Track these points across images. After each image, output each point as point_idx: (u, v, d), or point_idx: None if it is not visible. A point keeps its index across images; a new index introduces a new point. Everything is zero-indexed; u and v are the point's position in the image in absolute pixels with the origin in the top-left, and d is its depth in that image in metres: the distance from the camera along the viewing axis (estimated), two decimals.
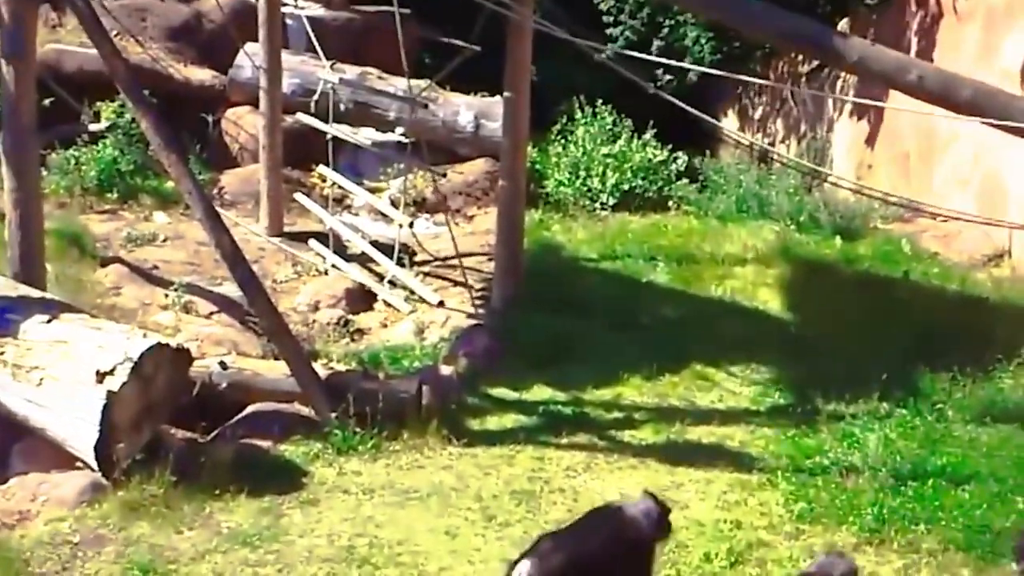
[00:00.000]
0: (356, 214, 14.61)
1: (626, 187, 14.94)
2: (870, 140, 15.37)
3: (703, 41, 17.60)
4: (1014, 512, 8.38)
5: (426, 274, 12.86)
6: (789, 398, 10.46)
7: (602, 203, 14.85)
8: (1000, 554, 7.91)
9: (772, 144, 17.53)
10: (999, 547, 7.98)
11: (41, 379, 8.83)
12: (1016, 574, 7.42)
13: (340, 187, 13.99)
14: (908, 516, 8.36)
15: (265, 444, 9.31)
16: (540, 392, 10.47)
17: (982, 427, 9.77)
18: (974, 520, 8.29)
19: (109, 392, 8.57)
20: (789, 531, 8.36)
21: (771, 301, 12.32)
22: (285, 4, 15.25)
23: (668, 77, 16.81)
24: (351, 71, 15.35)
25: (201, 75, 16.55)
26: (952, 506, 8.47)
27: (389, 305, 12.24)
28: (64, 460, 8.76)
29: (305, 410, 9.71)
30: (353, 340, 11.65)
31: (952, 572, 7.84)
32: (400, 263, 12.73)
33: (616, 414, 10.20)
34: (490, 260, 12.56)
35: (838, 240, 13.40)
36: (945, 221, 13.09)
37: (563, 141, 15.81)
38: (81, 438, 8.60)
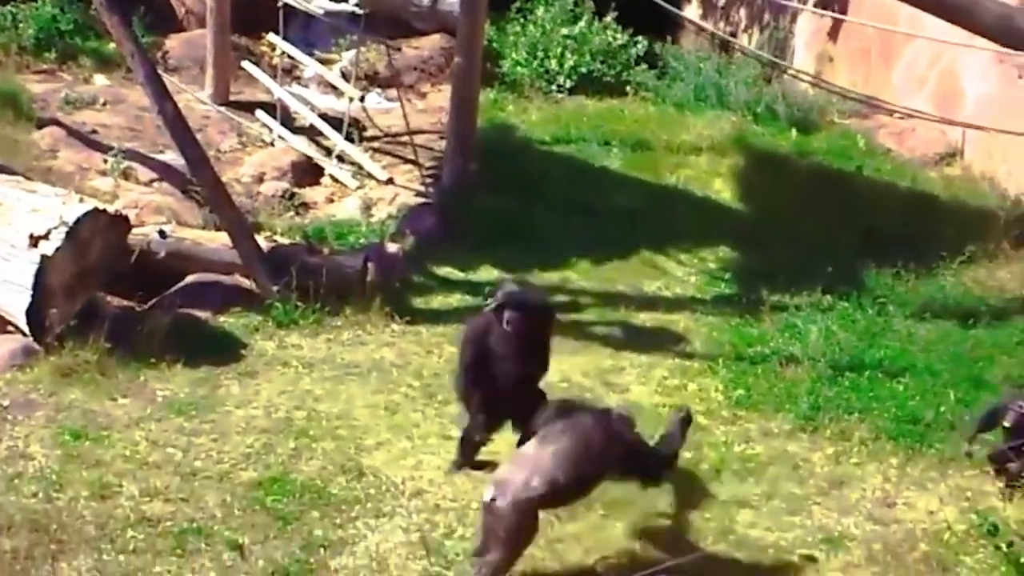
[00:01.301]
0: (305, 85, 14.27)
1: (584, 70, 14.68)
2: (832, 34, 15.17)
3: None
4: (945, 405, 8.54)
5: (375, 150, 12.64)
6: (735, 287, 10.47)
7: (559, 85, 14.61)
8: (929, 444, 8.11)
9: (734, 34, 17.28)
10: (928, 437, 8.19)
11: None
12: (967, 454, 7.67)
13: (290, 57, 13.67)
14: (843, 406, 8.48)
15: (204, 315, 9.20)
16: (487, 273, 10.40)
17: (921, 322, 9.87)
18: (906, 411, 8.45)
19: (43, 256, 8.40)
20: (726, 416, 8.44)
21: (724, 191, 12.25)
22: None
23: None
24: None
25: None
26: (886, 397, 8.62)
27: (336, 180, 12.05)
28: None
29: (246, 282, 9.59)
30: (298, 214, 11.47)
31: (881, 460, 8.01)
32: (349, 138, 12.51)
33: (561, 297, 10.13)
34: (442, 138, 12.37)
35: (794, 132, 13.30)
36: (901, 118, 13.03)
37: (522, 20, 15.49)
38: (13, 302, 8.45)
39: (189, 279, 9.60)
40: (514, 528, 6.38)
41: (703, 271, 10.82)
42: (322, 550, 6.85)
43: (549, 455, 6.45)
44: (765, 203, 11.91)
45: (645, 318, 9.87)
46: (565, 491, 6.50)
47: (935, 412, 8.44)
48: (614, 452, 6.58)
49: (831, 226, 11.30)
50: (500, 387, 7.44)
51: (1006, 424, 7.53)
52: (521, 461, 6.57)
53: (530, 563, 6.76)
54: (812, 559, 6.97)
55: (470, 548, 6.84)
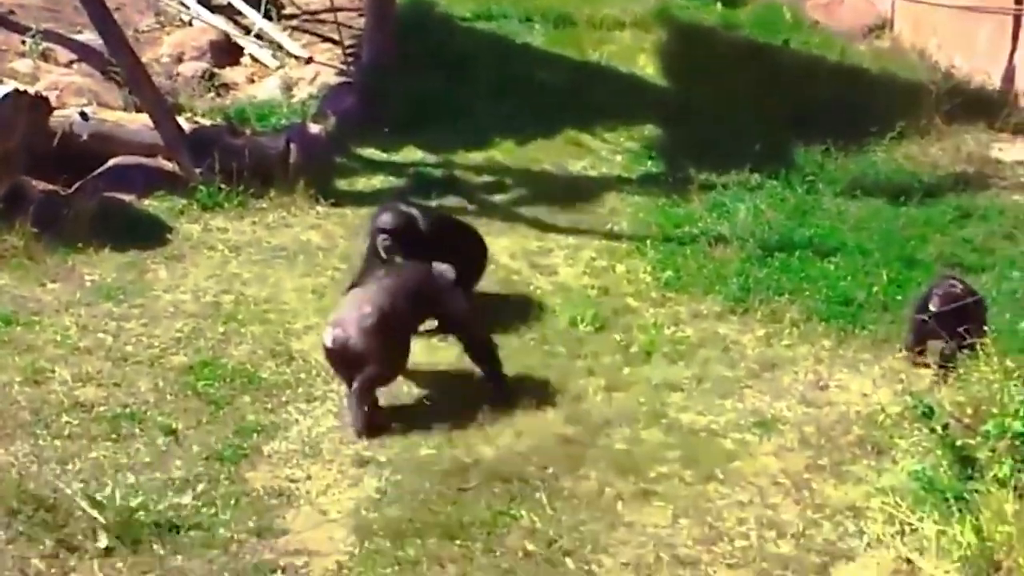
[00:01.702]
0: None
1: None
2: None
3: None
4: (878, 284, 8.54)
5: (295, 28, 12.44)
6: (661, 166, 10.47)
7: None
8: (862, 325, 8.12)
9: None
10: (861, 318, 8.19)
11: None
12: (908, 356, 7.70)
13: None
14: (773, 286, 8.50)
15: (128, 198, 9.10)
16: (410, 153, 10.35)
17: (852, 200, 9.87)
18: (838, 292, 8.45)
19: None
20: (655, 298, 8.49)
21: (648, 67, 12.22)
22: None
23: None
24: None
25: None
26: (817, 277, 8.62)
27: (256, 60, 11.86)
28: None
29: (169, 165, 9.49)
30: (218, 95, 11.30)
31: (813, 341, 8.03)
32: (268, 16, 12.29)
33: (486, 177, 10.15)
34: (361, 16, 12.17)
35: (719, 6, 13.26)
36: None
37: None
38: None
39: (112, 162, 9.46)
40: (370, 349, 6.95)
41: (629, 150, 10.81)
42: (255, 434, 6.89)
43: (372, 291, 7.17)
44: (691, 79, 11.89)
45: (571, 198, 9.86)
46: (391, 317, 7.03)
47: (867, 292, 8.43)
48: (429, 294, 7.27)
49: (759, 102, 11.27)
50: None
51: (932, 308, 7.54)
52: (348, 301, 7.26)
53: (461, 447, 6.85)
54: (744, 443, 7.01)
55: (403, 431, 6.91)
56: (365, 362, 6.97)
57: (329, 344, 7.00)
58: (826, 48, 12.46)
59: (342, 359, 7.02)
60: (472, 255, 8.21)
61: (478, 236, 8.38)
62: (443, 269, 7.36)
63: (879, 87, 11.63)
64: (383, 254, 7.75)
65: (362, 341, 6.95)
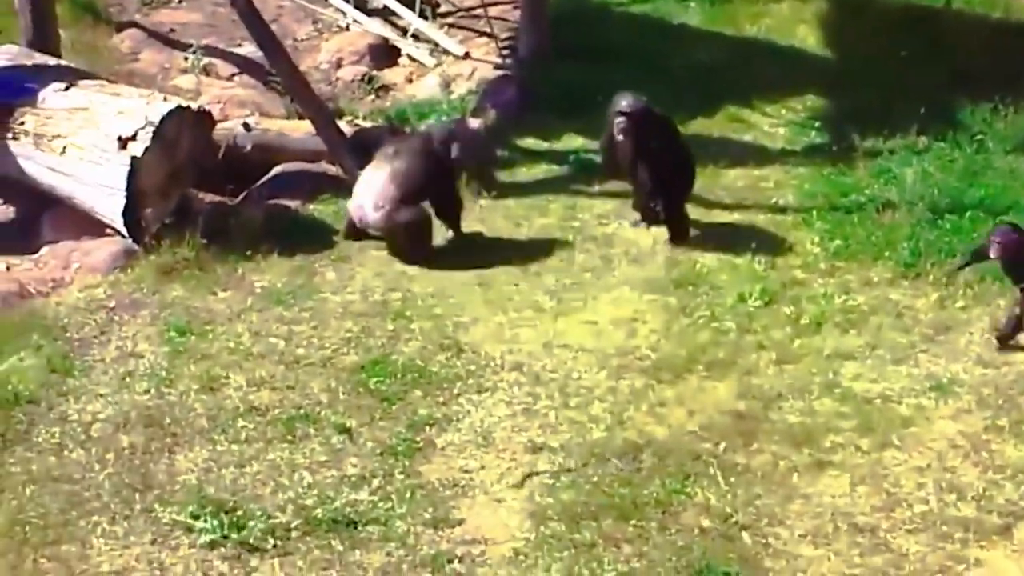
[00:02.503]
0: None
1: None
2: None
3: None
4: None
5: (450, 25, 12.50)
6: (825, 136, 10.24)
7: None
8: None
9: None
10: None
11: (64, 148, 8.74)
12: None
13: None
14: (945, 249, 8.29)
15: (293, 204, 9.24)
16: (570, 141, 10.30)
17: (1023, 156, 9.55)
18: None
19: (133, 158, 8.48)
20: (824, 268, 8.32)
21: (808, 38, 11.93)
22: None
23: None
24: None
25: None
26: None
27: (413, 59, 11.95)
28: (94, 228, 8.75)
29: (332, 169, 9.61)
30: (378, 97, 11.42)
31: (988, 302, 7.84)
32: (423, 15, 12.37)
33: None
34: (515, 8, 12.17)
35: None
36: None
37: None
38: (108, 205, 8.56)
39: (276, 170, 9.64)
40: (398, 231, 8.55)
41: (791, 122, 10.59)
42: (428, 428, 6.94)
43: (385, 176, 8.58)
44: (851, 47, 11.58)
45: (735, 174, 9.71)
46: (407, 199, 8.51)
47: None
48: (436, 169, 8.71)
49: (921, 65, 10.93)
50: None
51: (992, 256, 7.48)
52: (364, 186, 8.66)
53: (633, 428, 6.79)
54: (920, 407, 6.87)
55: (575, 417, 6.89)
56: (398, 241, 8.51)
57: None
58: (988, 6, 12.04)
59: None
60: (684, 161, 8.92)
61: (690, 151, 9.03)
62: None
63: None
64: (619, 136, 8.66)
65: (386, 228, 8.42)
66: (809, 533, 5.98)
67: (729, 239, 8.76)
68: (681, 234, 8.70)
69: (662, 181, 8.69)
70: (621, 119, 8.59)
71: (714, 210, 9.16)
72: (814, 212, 8.94)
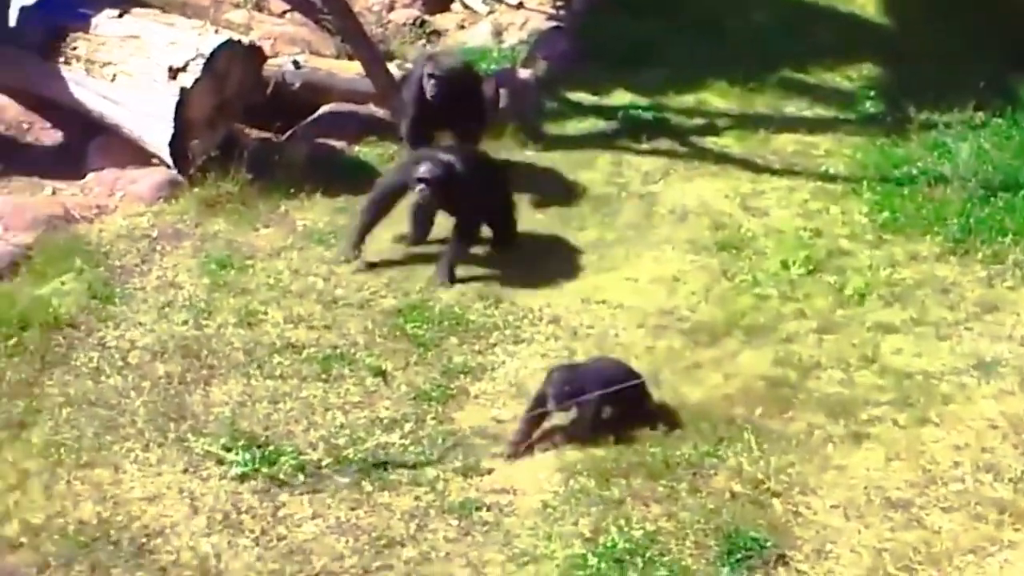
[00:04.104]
0: None
1: None
2: None
3: None
4: None
5: None
6: (880, 106, 10.07)
7: None
8: None
9: None
10: None
11: (114, 75, 8.75)
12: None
13: None
14: (996, 227, 8.14)
15: (339, 145, 9.22)
16: (620, 97, 10.19)
17: None
18: None
19: (182, 89, 8.47)
20: (871, 240, 8.21)
21: (867, 4, 11.71)
22: None
23: None
24: None
25: None
26: None
27: (466, 6, 11.85)
28: (140, 157, 8.76)
29: (380, 112, 9.57)
30: (429, 42, 11.35)
31: None
32: None
33: (698, 120, 9.92)
34: None
35: None
36: None
37: None
38: (156, 135, 8.56)
39: (324, 109, 9.62)
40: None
41: (847, 90, 10.40)
42: (462, 375, 6.93)
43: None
44: (911, 16, 11.37)
45: (786, 140, 9.57)
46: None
47: None
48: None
49: (981, 38, 10.71)
50: None
51: None
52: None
53: (668, 389, 6.75)
54: (962, 386, 6.76)
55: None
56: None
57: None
58: None
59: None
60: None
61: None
62: None
63: None
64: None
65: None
66: (841, 504, 5.93)
67: (775, 204, 8.66)
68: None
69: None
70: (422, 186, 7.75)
71: (762, 175, 9.03)
72: (864, 182, 8.80)
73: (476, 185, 7.88)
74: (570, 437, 6.38)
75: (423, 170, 7.65)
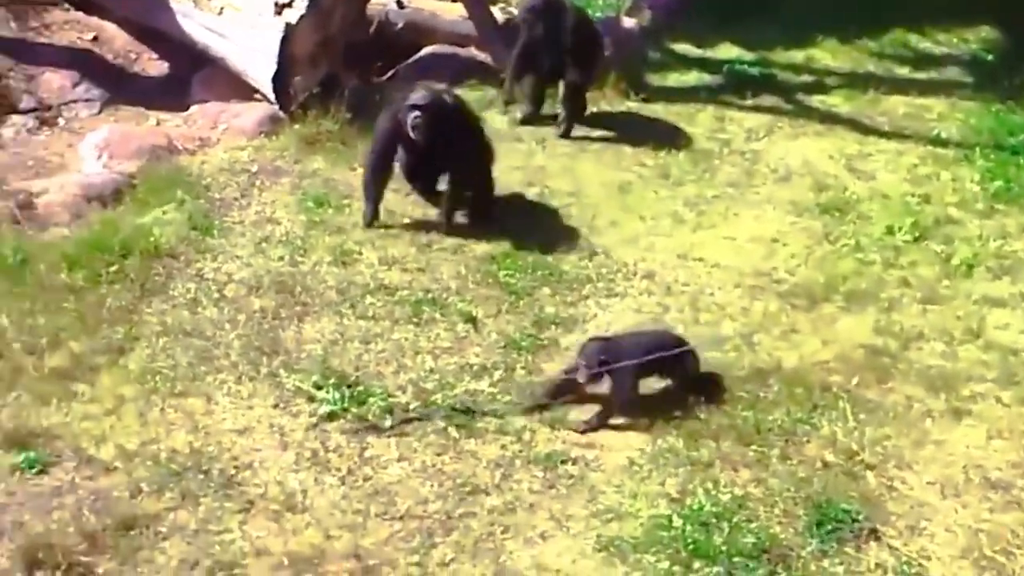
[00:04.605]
0: None
1: None
2: None
3: None
4: None
5: None
6: (998, 70, 9.80)
7: None
8: None
9: None
10: None
11: (222, 8, 8.78)
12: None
13: None
14: None
15: (439, 86, 9.13)
16: (726, 50, 10.04)
17: None
18: None
19: (287, 25, 8.46)
20: (981, 209, 8.00)
21: None
22: None
23: None
24: None
25: None
26: None
27: None
28: (243, 91, 8.79)
29: (481, 55, 9.50)
30: None
31: None
32: None
33: (805, 77, 9.74)
34: None
35: None
36: None
37: None
38: (259, 70, 8.57)
39: (425, 51, 9.58)
40: None
41: (962, 53, 10.19)
42: (553, 326, 6.86)
43: None
44: None
45: (896, 101, 9.38)
46: None
47: None
48: None
49: None
50: None
51: None
52: None
53: (763, 352, 6.64)
54: None
55: (703, 333, 6.74)
56: None
57: None
58: None
59: None
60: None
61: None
62: None
63: None
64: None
65: None
66: (938, 481, 5.78)
67: (883, 168, 8.47)
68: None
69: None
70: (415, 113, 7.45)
71: (869, 136, 8.86)
72: (977, 149, 8.59)
73: (465, 128, 7.71)
74: (604, 413, 6.21)
75: (416, 97, 7.48)
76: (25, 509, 5.48)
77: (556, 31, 8.54)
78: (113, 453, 5.82)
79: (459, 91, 9.00)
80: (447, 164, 7.64)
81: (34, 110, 8.81)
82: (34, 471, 5.69)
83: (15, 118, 8.73)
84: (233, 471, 5.76)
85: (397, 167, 7.74)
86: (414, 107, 7.40)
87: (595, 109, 9.06)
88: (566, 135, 8.69)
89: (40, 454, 5.76)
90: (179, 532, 5.42)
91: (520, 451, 5.98)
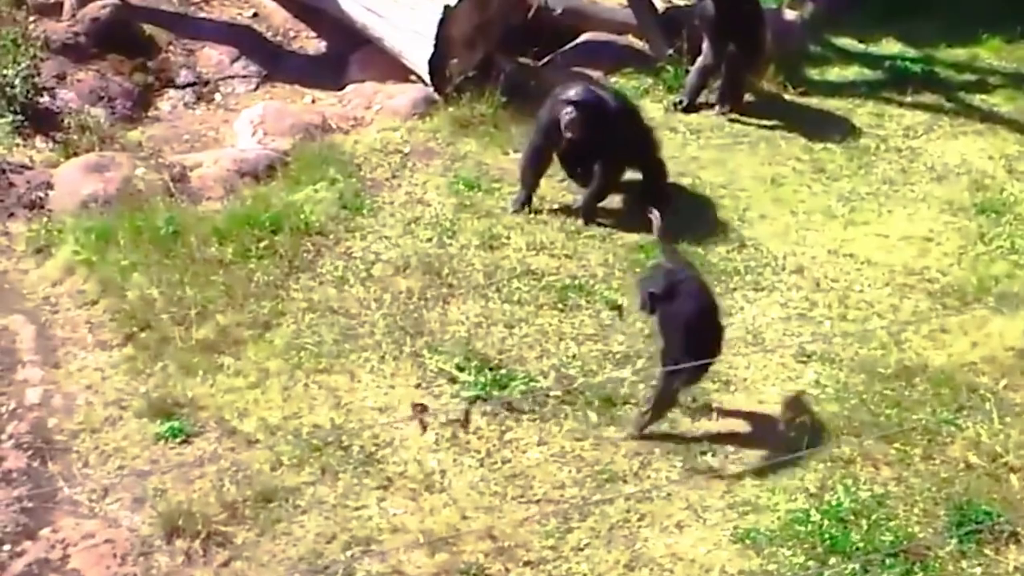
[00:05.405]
0: None
1: None
2: None
3: None
4: None
5: None
6: None
7: None
8: None
9: None
10: None
11: None
12: None
13: None
14: None
15: (595, 74, 9.14)
16: (888, 46, 9.85)
17: None
18: None
19: (446, 7, 8.54)
20: None
21: None
22: None
23: None
24: None
25: None
26: None
27: None
28: (398, 72, 8.88)
29: (638, 43, 9.48)
30: None
31: None
32: None
33: (968, 76, 9.52)
34: None
35: None
36: None
37: None
38: (416, 51, 8.67)
39: (583, 37, 9.59)
40: None
41: None
42: None
43: None
44: None
45: None
46: None
47: None
48: None
49: None
50: None
51: None
52: None
53: (910, 351, 6.53)
54: None
55: (851, 329, 6.66)
56: None
57: None
58: None
59: None
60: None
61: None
62: None
63: None
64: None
65: None
66: None
67: None
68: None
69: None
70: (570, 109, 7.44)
71: None
72: None
73: (623, 121, 7.68)
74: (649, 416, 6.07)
75: (572, 93, 7.47)
76: (167, 478, 5.64)
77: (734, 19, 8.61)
78: (255, 426, 5.97)
79: (615, 80, 9.11)
80: (603, 157, 7.64)
81: (192, 84, 9.05)
82: (177, 440, 5.87)
83: (173, 92, 8.98)
84: (373, 448, 5.87)
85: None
86: (568, 103, 7.43)
87: (752, 100, 8.98)
88: (737, 103, 8.78)
89: (184, 424, 5.94)
90: (317, 506, 5.55)
91: (659, 440, 5.99)
